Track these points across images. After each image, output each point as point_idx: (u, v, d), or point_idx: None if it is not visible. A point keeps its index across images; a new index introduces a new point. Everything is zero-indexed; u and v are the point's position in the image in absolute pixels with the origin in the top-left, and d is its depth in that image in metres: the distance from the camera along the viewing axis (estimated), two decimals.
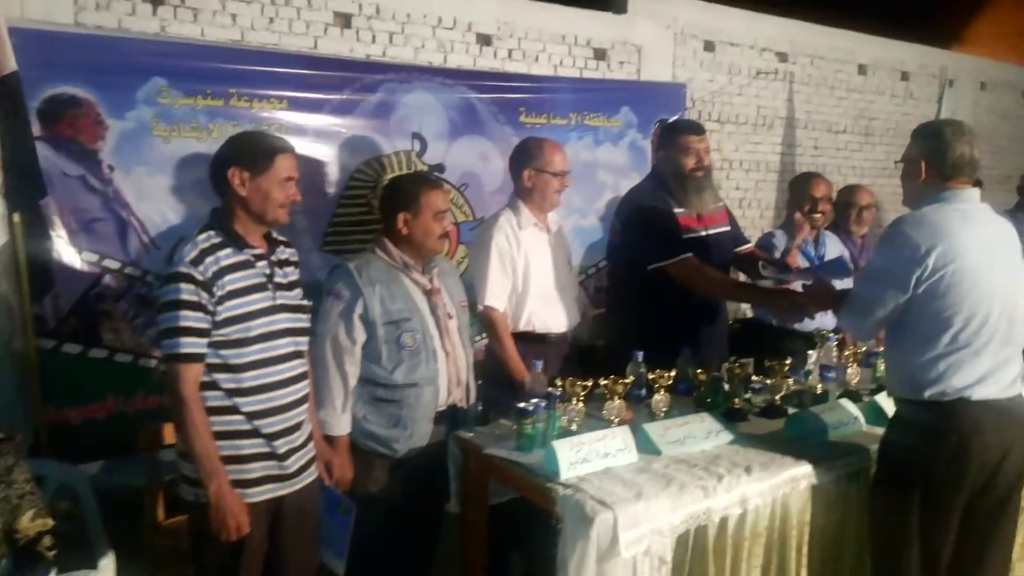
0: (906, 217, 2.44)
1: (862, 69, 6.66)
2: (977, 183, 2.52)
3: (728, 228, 3.58)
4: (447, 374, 2.73)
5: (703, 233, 3.41)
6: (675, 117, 4.57)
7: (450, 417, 2.76)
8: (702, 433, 2.64)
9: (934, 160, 2.46)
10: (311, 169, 3.59)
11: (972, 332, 2.33)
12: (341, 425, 2.64)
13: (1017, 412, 2.43)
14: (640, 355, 2.96)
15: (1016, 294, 2.41)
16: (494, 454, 2.53)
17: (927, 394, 2.36)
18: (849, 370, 3.23)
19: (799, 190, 4.06)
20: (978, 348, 2.34)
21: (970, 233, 2.36)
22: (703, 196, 3.42)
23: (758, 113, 5.97)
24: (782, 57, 6.07)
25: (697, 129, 3.46)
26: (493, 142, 4.15)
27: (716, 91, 5.68)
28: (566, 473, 2.32)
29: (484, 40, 4.51)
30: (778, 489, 2.45)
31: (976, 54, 8.20)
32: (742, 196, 5.94)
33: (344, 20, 4.06)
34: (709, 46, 5.63)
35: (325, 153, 3.69)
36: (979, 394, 2.33)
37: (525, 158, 3.25)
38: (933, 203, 2.44)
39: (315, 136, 3.65)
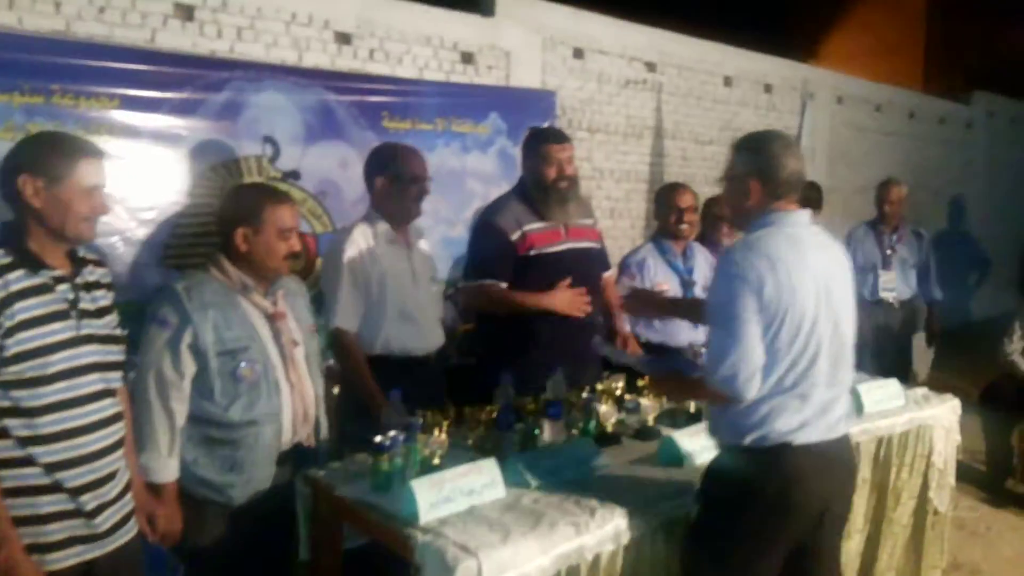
0: (735, 247, 2.22)
1: (728, 81, 6.76)
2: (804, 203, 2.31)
3: (598, 246, 3.46)
4: (291, 409, 2.44)
5: (567, 246, 3.28)
6: (545, 125, 4.43)
7: (295, 457, 2.48)
8: (573, 461, 2.49)
9: (764, 177, 2.21)
10: (147, 174, 3.25)
11: (799, 374, 2.14)
12: (167, 471, 2.31)
13: (840, 455, 2.28)
14: (509, 379, 2.77)
15: (845, 330, 2.22)
16: (346, 496, 2.29)
17: (748, 440, 2.17)
18: None
19: (665, 201, 4.02)
20: (804, 391, 2.15)
21: (802, 264, 2.14)
22: (566, 207, 3.29)
23: (627, 122, 5.94)
24: (650, 67, 6.07)
25: (559, 137, 3.32)
26: (354, 147, 3.86)
27: (586, 99, 5.61)
28: (426, 516, 2.11)
29: (343, 39, 4.24)
30: (653, 520, 2.30)
31: (833, 69, 8.56)
32: (612, 206, 5.88)
33: (186, 12, 3.71)
34: (578, 53, 5.55)
35: (164, 156, 3.32)
36: (802, 439, 2.16)
37: (378, 165, 3.02)
38: (762, 228, 2.20)
39: (152, 138, 3.29)
